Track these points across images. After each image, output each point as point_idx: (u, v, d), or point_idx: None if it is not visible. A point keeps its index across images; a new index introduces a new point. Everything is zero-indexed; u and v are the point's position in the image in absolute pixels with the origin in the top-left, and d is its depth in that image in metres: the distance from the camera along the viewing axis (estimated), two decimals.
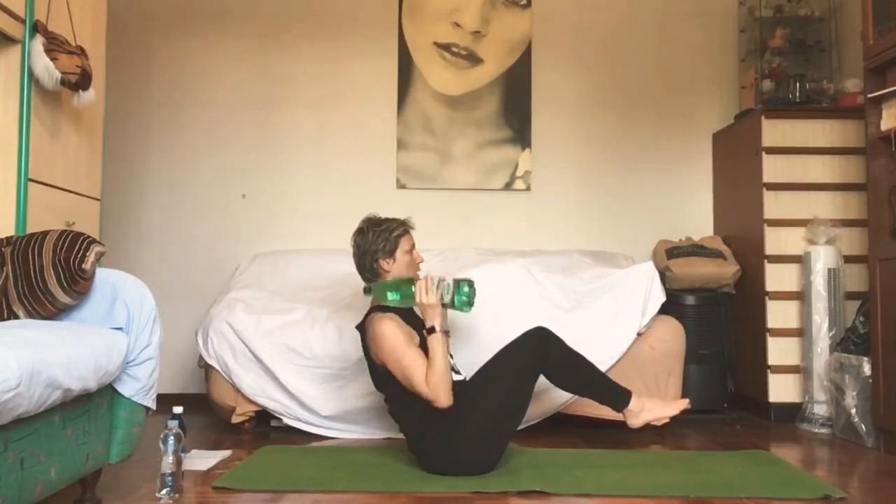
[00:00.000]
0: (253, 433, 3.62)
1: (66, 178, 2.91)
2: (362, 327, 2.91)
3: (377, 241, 2.88)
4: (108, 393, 2.30)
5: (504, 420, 2.79)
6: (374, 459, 3.01)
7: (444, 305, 2.80)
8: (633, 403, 2.91)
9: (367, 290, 2.91)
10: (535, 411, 3.41)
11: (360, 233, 2.93)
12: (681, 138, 4.74)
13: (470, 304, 2.80)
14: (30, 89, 2.64)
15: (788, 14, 4.45)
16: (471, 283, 2.81)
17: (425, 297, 2.75)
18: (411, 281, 2.83)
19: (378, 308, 2.87)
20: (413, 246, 2.96)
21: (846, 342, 3.59)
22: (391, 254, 2.89)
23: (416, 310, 2.94)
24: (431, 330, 2.73)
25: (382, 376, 2.84)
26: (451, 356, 2.90)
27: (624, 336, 3.60)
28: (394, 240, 2.89)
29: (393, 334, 2.74)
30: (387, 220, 2.94)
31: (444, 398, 2.68)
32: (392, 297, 2.83)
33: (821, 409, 3.76)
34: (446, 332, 2.78)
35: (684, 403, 3.02)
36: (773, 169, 4.08)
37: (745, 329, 4.23)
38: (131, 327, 2.32)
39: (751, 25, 4.52)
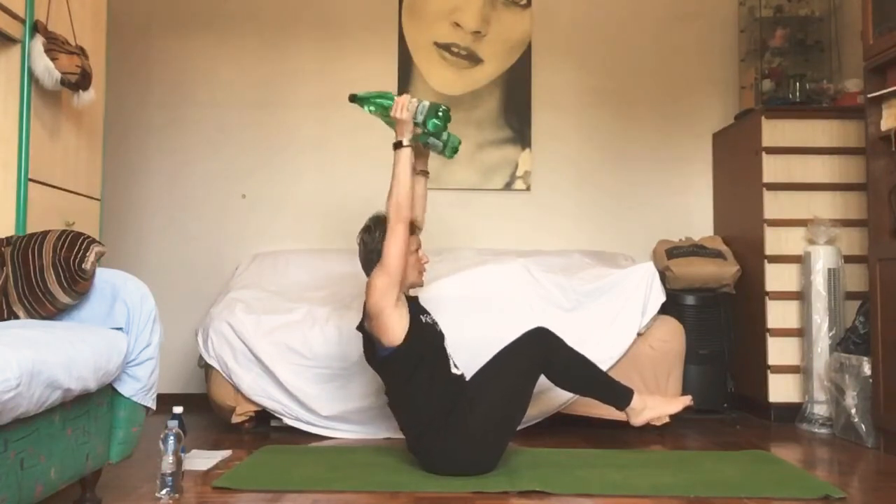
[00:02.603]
0: (253, 433, 3.62)
1: (66, 178, 2.91)
2: (362, 327, 2.91)
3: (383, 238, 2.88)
4: (108, 393, 2.30)
5: (504, 420, 2.79)
6: (374, 459, 3.01)
7: (416, 125, 2.86)
8: (635, 401, 2.92)
9: (352, 98, 2.96)
10: (535, 411, 3.41)
11: (367, 230, 2.94)
12: (681, 138, 4.74)
13: (443, 128, 2.88)
14: (30, 89, 2.64)
15: (788, 14, 4.45)
16: (446, 109, 2.88)
17: (400, 112, 2.82)
18: (391, 96, 2.89)
19: None
20: (419, 246, 2.97)
21: (846, 342, 3.59)
22: None
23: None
24: (399, 144, 2.82)
25: (384, 361, 2.83)
26: (451, 358, 2.92)
27: (624, 336, 3.60)
28: None
29: (374, 274, 2.81)
30: None
31: (404, 205, 2.76)
32: (368, 108, 2.92)
33: (821, 409, 3.76)
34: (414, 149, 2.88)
35: (686, 400, 3.03)
36: (773, 169, 4.08)
37: (745, 329, 4.23)
38: (131, 327, 2.32)
39: (751, 25, 4.51)
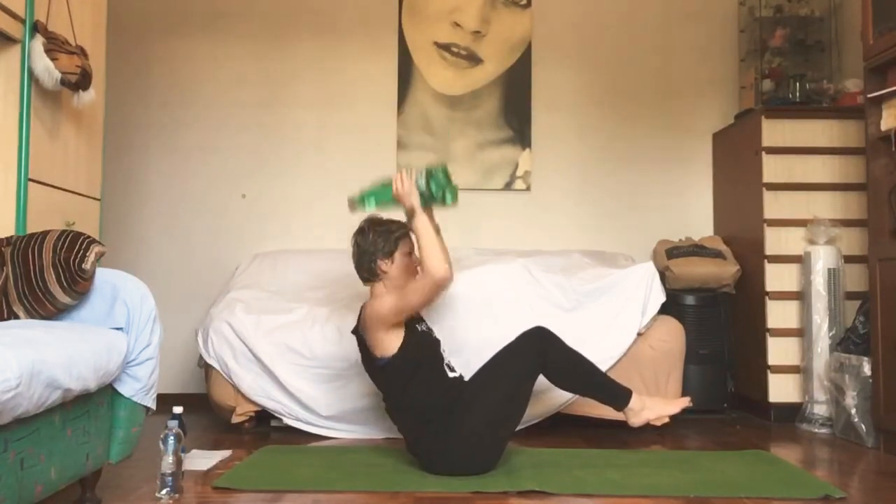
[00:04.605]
0: (253, 433, 3.62)
1: (66, 178, 2.91)
2: (357, 331, 2.91)
3: (377, 241, 2.88)
4: (108, 393, 2.30)
5: (503, 420, 2.79)
6: (374, 459, 3.02)
7: (422, 196, 2.83)
8: (634, 402, 2.91)
9: (352, 204, 2.94)
10: (535, 411, 3.41)
11: (361, 232, 2.94)
12: (681, 138, 4.74)
13: (447, 186, 2.85)
14: (30, 89, 2.64)
15: (788, 14, 4.45)
16: (444, 168, 2.86)
17: (401, 185, 2.79)
18: (388, 182, 2.87)
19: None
20: (413, 249, 2.96)
21: (846, 342, 3.59)
22: (390, 255, 2.89)
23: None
24: (412, 213, 2.79)
25: (380, 370, 2.84)
26: (448, 362, 2.92)
27: (624, 336, 3.60)
28: (394, 241, 2.90)
29: (389, 296, 2.79)
30: (388, 221, 2.95)
31: (443, 269, 2.72)
32: (369, 203, 2.88)
33: (821, 409, 3.76)
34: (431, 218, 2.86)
35: (685, 401, 3.02)
36: (773, 169, 4.08)
37: (745, 329, 4.23)
38: (131, 327, 2.32)
39: (751, 25, 4.52)
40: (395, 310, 2.76)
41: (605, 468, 2.85)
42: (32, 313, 2.25)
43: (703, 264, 4.17)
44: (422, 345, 2.85)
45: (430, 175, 2.85)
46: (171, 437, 2.39)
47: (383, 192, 2.88)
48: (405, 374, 2.79)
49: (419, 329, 2.89)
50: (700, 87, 4.76)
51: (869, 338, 3.38)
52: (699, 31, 4.76)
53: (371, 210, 2.91)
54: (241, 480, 2.65)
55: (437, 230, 2.91)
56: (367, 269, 2.91)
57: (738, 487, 2.60)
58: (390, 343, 2.78)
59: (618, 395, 2.93)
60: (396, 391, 2.84)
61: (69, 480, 2.10)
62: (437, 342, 2.94)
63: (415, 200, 2.80)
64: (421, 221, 2.79)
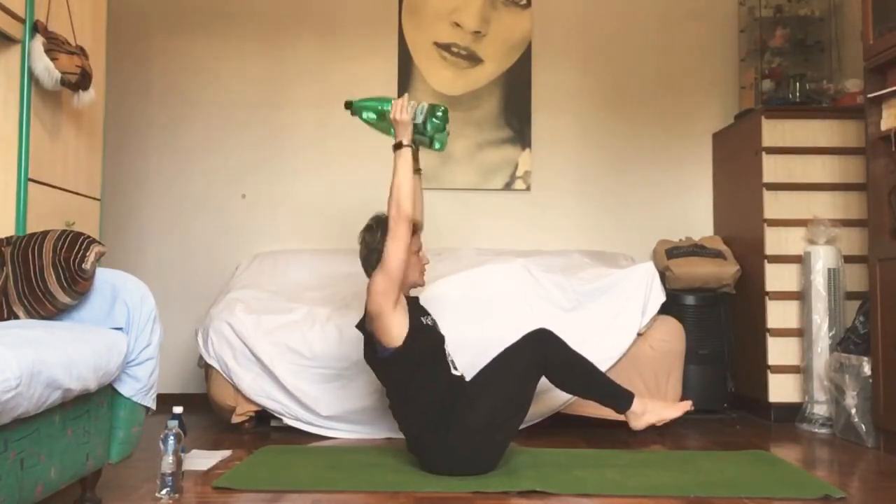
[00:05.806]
0: (253, 433, 3.63)
1: (66, 178, 2.91)
2: (362, 326, 2.91)
3: (384, 239, 2.88)
4: (108, 393, 2.30)
5: (504, 421, 2.79)
6: (374, 459, 3.01)
7: (416, 129, 2.87)
8: (636, 405, 2.91)
9: (348, 105, 2.99)
10: (535, 411, 3.41)
11: (369, 230, 2.94)
12: (681, 138, 4.74)
13: (442, 129, 2.89)
14: (30, 89, 2.64)
15: (788, 14, 4.45)
16: (445, 109, 2.89)
17: (399, 113, 2.82)
18: (388, 100, 2.89)
19: None
20: (420, 247, 2.97)
21: (846, 342, 3.59)
22: None
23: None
24: (399, 145, 2.82)
25: (384, 362, 2.83)
26: (451, 360, 2.91)
27: (624, 336, 3.60)
28: None
29: (377, 275, 2.80)
30: None
31: (405, 205, 2.74)
32: (367, 116, 2.93)
33: (821, 409, 3.76)
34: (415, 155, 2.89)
35: (686, 405, 3.02)
36: (773, 169, 4.08)
37: (745, 329, 4.23)
38: (131, 327, 2.32)
39: (751, 25, 4.52)
40: (384, 278, 2.75)
41: (605, 468, 2.85)
42: (32, 313, 2.25)
43: (703, 264, 4.18)
44: (426, 338, 2.84)
45: (430, 112, 2.87)
46: (171, 437, 2.39)
47: (381, 111, 2.90)
48: (409, 368, 2.78)
49: (424, 322, 2.88)
50: (700, 87, 4.76)
51: (869, 338, 3.38)
52: (699, 31, 4.76)
53: (362, 121, 2.95)
54: (241, 480, 2.65)
55: (419, 172, 2.98)
56: (374, 266, 2.90)
57: (738, 487, 2.60)
58: (396, 332, 2.75)
59: (620, 399, 2.93)
60: (400, 385, 2.83)
61: (69, 480, 2.10)
62: (441, 337, 2.94)
63: (406, 133, 2.83)
64: (403, 155, 2.81)
